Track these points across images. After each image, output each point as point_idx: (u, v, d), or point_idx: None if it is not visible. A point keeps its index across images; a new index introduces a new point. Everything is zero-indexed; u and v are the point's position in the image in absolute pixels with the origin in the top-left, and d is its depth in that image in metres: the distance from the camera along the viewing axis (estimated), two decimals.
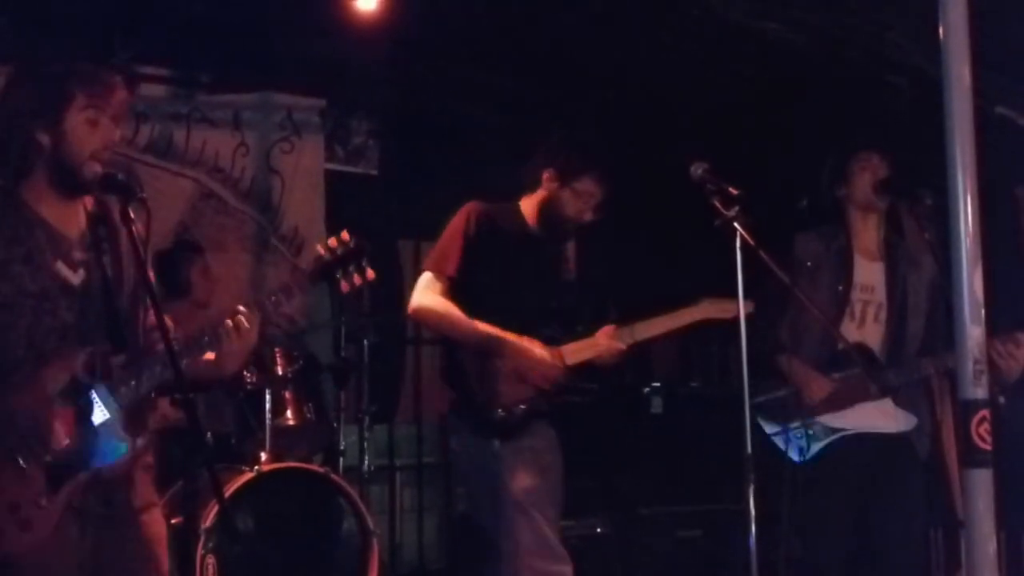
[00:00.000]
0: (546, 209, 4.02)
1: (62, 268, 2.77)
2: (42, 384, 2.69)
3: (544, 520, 3.80)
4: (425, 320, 4.04)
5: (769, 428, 4.06)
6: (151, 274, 2.92)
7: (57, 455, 2.67)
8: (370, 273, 2.98)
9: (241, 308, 2.85)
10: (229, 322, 2.82)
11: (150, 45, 5.55)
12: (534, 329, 3.90)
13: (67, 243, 2.80)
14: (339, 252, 2.95)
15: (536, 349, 3.85)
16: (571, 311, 4.01)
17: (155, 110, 5.87)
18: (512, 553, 3.80)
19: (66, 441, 2.69)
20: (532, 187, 4.08)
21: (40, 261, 2.74)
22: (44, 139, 2.74)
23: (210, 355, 2.88)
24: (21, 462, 2.63)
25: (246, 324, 2.83)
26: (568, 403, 3.95)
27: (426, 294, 3.90)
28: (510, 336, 3.85)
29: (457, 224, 3.96)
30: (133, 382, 2.75)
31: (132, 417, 2.77)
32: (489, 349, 3.85)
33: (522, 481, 3.79)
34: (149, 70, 5.78)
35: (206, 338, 2.83)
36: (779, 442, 4.01)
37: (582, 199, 3.97)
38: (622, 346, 3.88)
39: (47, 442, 2.67)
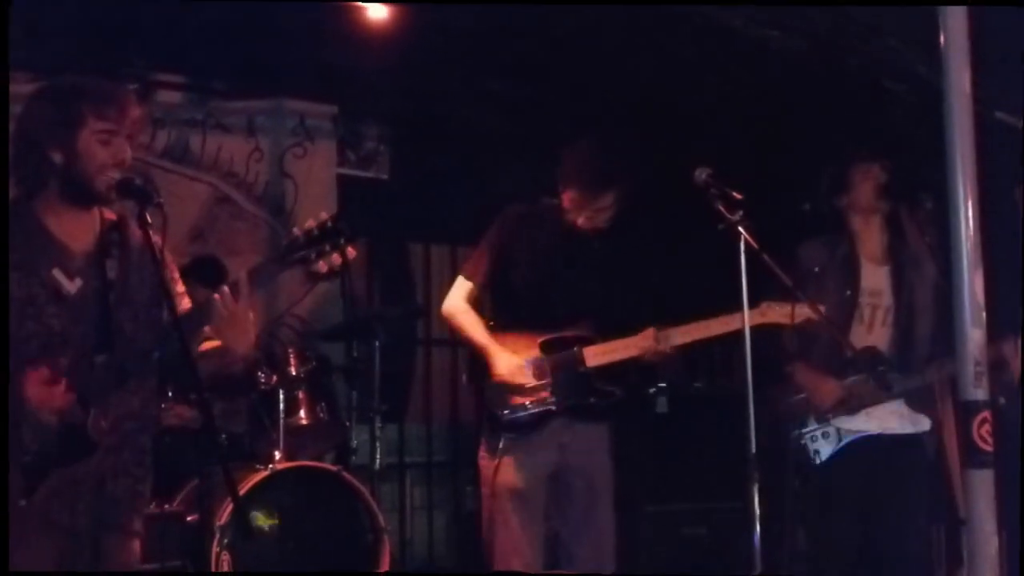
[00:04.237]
0: (567, 218, 4.02)
1: (58, 276, 2.79)
2: (20, 387, 2.68)
3: (521, 524, 3.82)
4: (446, 321, 4.15)
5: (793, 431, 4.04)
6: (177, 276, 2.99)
7: (33, 456, 2.68)
8: (351, 251, 2.79)
9: (234, 279, 2.78)
10: (217, 296, 2.77)
11: (166, 53, 5.57)
12: (560, 330, 3.91)
13: (67, 253, 2.82)
14: (314, 233, 2.77)
15: (504, 367, 3.86)
16: (608, 312, 3.99)
17: (171, 116, 5.88)
18: (492, 550, 3.87)
19: (40, 442, 2.68)
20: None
21: (32, 268, 2.77)
22: (57, 156, 2.79)
23: (215, 343, 2.87)
24: None
25: (228, 293, 2.74)
26: (584, 405, 3.93)
27: (451, 297, 4.07)
28: (493, 347, 3.91)
29: (490, 232, 4.05)
30: (113, 382, 2.75)
31: (107, 415, 2.77)
32: (479, 356, 3.94)
33: (511, 481, 3.81)
34: (165, 77, 5.79)
35: (198, 313, 2.80)
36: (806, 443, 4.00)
37: (600, 213, 3.98)
38: (664, 349, 3.87)
39: (23, 443, 2.67)
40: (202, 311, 2.79)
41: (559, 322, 3.94)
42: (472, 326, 4.00)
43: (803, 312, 3.71)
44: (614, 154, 3.99)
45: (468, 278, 4.05)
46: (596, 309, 3.99)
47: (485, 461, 3.93)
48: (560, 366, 3.91)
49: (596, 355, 3.91)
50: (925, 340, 4.01)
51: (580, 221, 3.97)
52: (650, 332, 3.88)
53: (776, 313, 3.83)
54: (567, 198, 4.01)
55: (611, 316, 3.97)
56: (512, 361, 3.90)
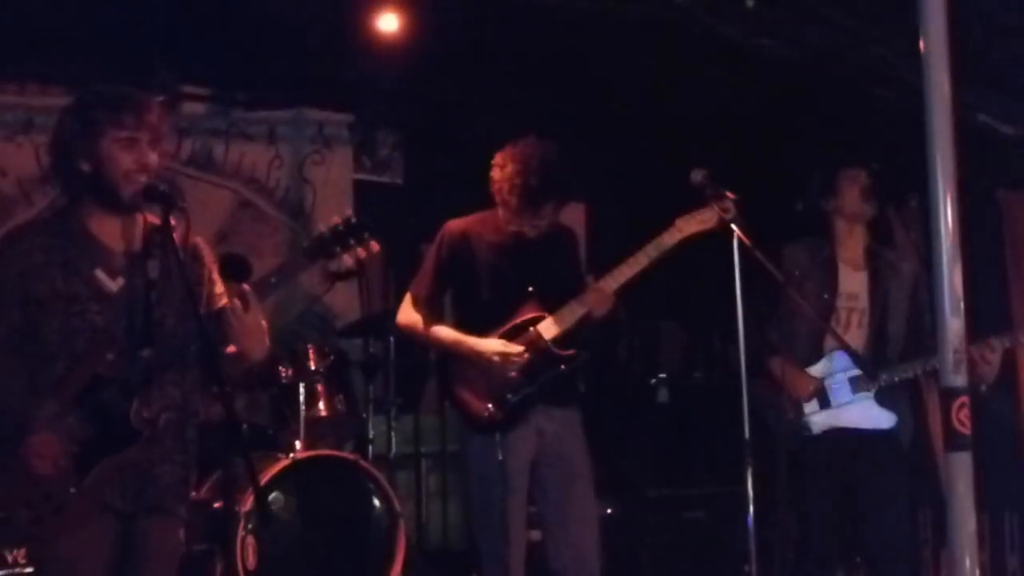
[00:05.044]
0: (509, 228, 3.96)
1: (100, 275, 2.82)
2: (71, 382, 2.74)
3: (508, 512, 3.76)
4: (403, 333, 4.11)
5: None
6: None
7: (82, 446, 2.72)
8: (374, 246, 2.80)
9: (244, 287, 2.81)
10: (227, 303, 2.81)
11: (191, 66, 5.60)
12: (512, 319, 3.87)
13: (110, 254, 2.85)
14: (340, 228, 2.79)
15: (490, 346, 3.82)
16: (559, 292, 3.90)
17: (196, 126, 5.92)
18: (482, 538, 3.86)
19: (90, 431, 2.72)
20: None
21: (76, 268, 2.80)
22: (85, 166, 2.81)
23: (231, 348, 2.88)
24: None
25: (239, 304, 2.77)
26: (559, 377, 3.86)
27: (402, 311, 4.05)
28: (467, 339, 3.86)
29: (431, 249, 4.00)
30: (155, 374, 2.79)
31: (149, 405, 2.79)
32: (452, 353, 3.90)
33: (499, 471, 3.76)
34: (190, 89, 5.83)
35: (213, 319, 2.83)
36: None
37: (541, 220, 3.92)
38: (608, 289, 3.79)
39: (74, 435, 2.71)
40: (218, 320, 2.82)
41: (511, 314, 3.88)
42: (439, 330, 3.95)
43: (723, 206, 3.62)
44: (552, 165, 3.86)
45: (414, 294, 4.02)
46: (541, 289, 3.91)
47: (474, 457, 3.89)
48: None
49: (550, 327, 3.84)
50: (897, 340, 4.03)
51: (525, 230, 3.91)
52: (589, 284, 3.84)
53: (693, 224, 3.77)
54: (506, 212, 3.93)
55: (556, 290, 3.90)
56: (492, 340, 3.84)
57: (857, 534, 4.03)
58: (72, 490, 2.70)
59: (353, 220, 2.79)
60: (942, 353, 2.37)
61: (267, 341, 2.90)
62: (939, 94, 2.48)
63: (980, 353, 3.74)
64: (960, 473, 2.32)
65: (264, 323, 2.84)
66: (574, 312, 3.84)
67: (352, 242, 2.77)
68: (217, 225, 5.94)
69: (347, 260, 2.78)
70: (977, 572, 2.29)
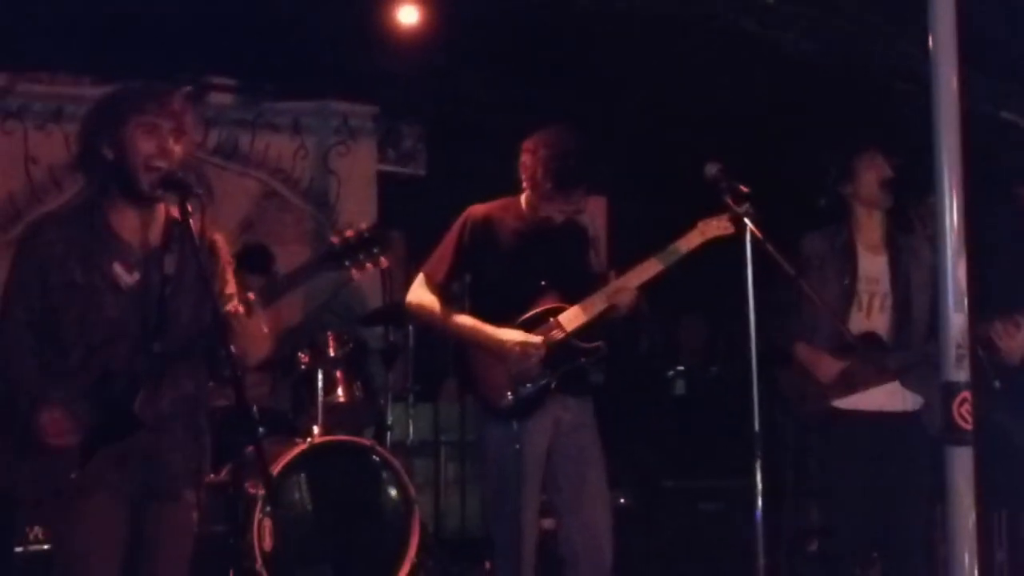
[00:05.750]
0: (538, 213, 3.90)
1: (118, 268, 2.83)
2: (82, 373, 2.77)
3: (524, 501, 3.72)
4: (413, 315, 4.01)
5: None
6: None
7: (85, 433, 2.74)
8: (383, 261, 2.79)
9: (249, 296, 2.80)
10: (231, 307, 2.80)
11: (218, 57, 5.64)
12: (532, 308, 3.81)
13: (128, 247, 2.86)
14: (351, 243, 2.77)
15: (511, 335, 3.75)
16: (578, 283, 3.85)
17: (222, 116, 5.97)
18: (498, 525, 3.81)
19: (95, 420, 2.75)
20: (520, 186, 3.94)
21: (95, 260, 2.82)
22: (109, 153, 2.82)
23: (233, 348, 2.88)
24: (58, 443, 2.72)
25: (242, 310, 2.76)
26: (578, 368, 3.81)
27: (415, 292, 3.92)
28: (486, 328, 3.78)
29: (452, 232, 3.91)
30: (164, 367, 2.80)
31: (157, 396, 2.81)
32: (468, 341, 3.83)
33: (517, 460, 3.70)
34: (217, 80, 5.86)
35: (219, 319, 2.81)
36: None
37: (570, 206, 3.86)
38: (631, 285, 3.75)
39: (80, 419, 2.74)
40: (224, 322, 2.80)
41: (530, 302, 3.82)
42: (457, 315, 3.87)
43: (736, 200, 3.56)
44: (584, 150, 3.79)
45: (429, 276, 3.91)
46: (561, 278, 3.85)
47: (492, 444, 3.82)
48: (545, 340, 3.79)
49: (572, 319, 3.78)
50: (921, 322, 3.95)
51: (552, 215, 3.85)
52: (611, 277, 3.80)
53: (714, 227, 3.75)
54: (536, 194, 3.85)
55: (576, 281, 3.85)
56: (512, 330, 3.77)
57: (879, 522, 3.97)
58: (72, 476, 2.72)
59: (366, 234, 2.77)
60: (945, 348, 2.35)
61: (266, 347, 2.91)
62: (947, 91, 2.46)
63: (1005, 328, 3.66)
64: (960, 468, 2.30)
65: (266, 329, 2.84)
66: (597, 305, 3.80)
67: (362, 257, 2.77)
68: (242, 214, 5.98)
69: (354, 274, 2.78)
70: (976, 569, 2.26)
